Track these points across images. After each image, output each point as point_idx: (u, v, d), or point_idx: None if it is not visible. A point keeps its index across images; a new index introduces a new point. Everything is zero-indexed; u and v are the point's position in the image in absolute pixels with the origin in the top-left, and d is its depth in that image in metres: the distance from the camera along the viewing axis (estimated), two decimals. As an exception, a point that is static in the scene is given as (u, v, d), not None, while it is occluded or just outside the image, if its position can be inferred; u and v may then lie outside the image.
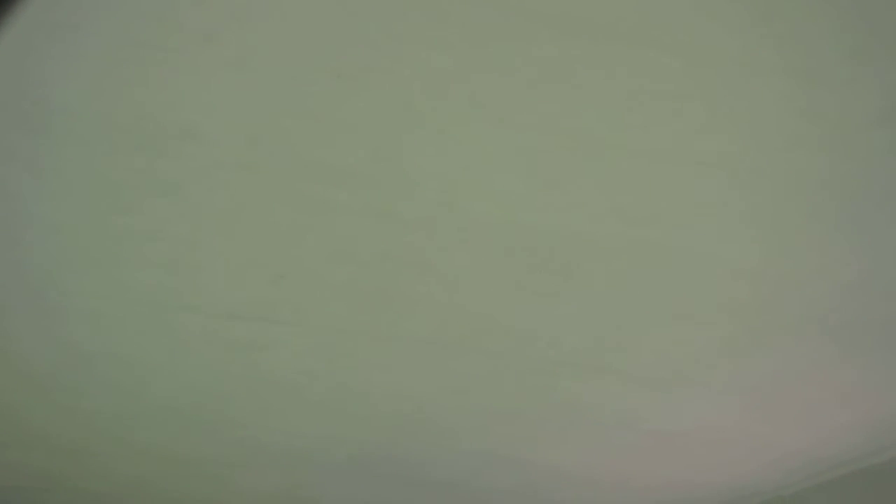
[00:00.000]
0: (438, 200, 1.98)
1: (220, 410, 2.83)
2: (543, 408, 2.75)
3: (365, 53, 1.69)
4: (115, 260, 2.19)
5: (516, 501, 3.37)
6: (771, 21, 1.60)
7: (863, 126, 1.78)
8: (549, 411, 2.76)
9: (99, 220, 2.07)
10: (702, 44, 1.64)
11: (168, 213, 2.04)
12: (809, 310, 2.28)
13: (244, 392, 2.73)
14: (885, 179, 1.91)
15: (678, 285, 2.21)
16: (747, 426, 2.79)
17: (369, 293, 2.28)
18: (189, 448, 3.07)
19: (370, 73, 1.72)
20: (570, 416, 2.78)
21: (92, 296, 2.31)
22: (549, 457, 3.03)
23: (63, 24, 1.63)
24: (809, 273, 2.16)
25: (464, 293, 2.27)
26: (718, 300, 2.25)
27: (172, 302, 2.33)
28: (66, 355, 2.57)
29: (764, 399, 2.64)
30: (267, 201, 2.01)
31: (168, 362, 2.59)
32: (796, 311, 2.28)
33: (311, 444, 3.00)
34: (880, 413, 2.68)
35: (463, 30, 1.64)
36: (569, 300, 2.27)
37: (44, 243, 2.14)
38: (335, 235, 2.10)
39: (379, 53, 1.69)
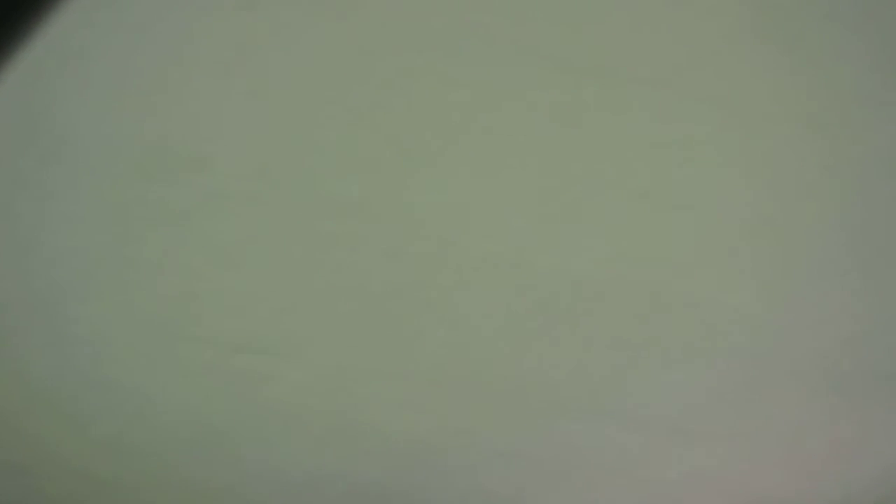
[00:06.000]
0: (445, 238, 1.99)
1: (221, 440, 2.84)
2: (543, 451, 2.74)
3: (378, 90, 1.70)
4: (121, 289, 2.20)
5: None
6: (794, 68, 1.62)
7: (882, 174, 1.79)
8: (549, 454, 2.76)
9: (106, 248, 2.08)
10: (717, 89, 1.66)
11: (176, 243, 2.06)
12: (812, 360, 2.28)
13: (246, 423, 2.73)
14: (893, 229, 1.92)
15: (681, 331, 2.21)
16: (744, 475, 2.78)
17: (374, 329, 2.29)
18: (189, 475, 3.07)
19: (382, 110, 1.74)
20: (570, 460, 2.78)
21: (98, 324, 2.32)
22: (548, 499, 3.02)
23: (74, 52, 1.65)
24: (813, 322, 2.16)
25: (466, 332, 2.27)
26: (720, 347, 2.26)
27: (177, 332, 2.34)
28: (72, 382, 2.58)
29: (763, 448, 2.64)
30: (275, 233, 2.03)
31: (172, 392, 2.60)
32: (798, 360, 2.28)
33: (311, 476, 3.00)
34: (881, 467, 2.67)
35: (476, 69, 1.65)
36: (571, 343, 2.28)
37: (51, 271, 2.15)
38: (342, 270, 2.11)
39: (392, 90, 1.70)
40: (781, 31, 1.60)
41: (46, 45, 1.63)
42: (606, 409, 2.53)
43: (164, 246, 2.07)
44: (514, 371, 2.41)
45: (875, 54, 1.61)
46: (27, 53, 1.60)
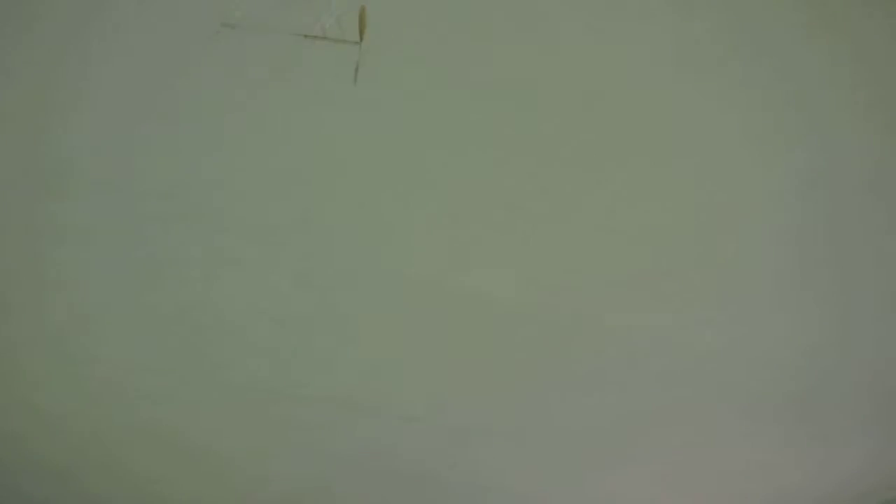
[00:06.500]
0: (358, 260, 1.98)
1: (120, 460, 2.79)
2: (453, 475, 2.74)
3: (289, 112, 1.69)
4: (24, 308, 2.17)
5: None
6: (715, 89, 1.63)
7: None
8: (459, 479, 2.76)
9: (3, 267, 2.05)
10: (637, 108, 1.66)
11: (79, 260, 2.03)
12: (722, 383, 2.30)
13: (143, 446, 2.68)
14: (813, 256, 1.94)
15: (599, 355, 2.22)
16: (656, 496, 2.79)
17: (286, 352, 2.27)
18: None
19: (294, 132, 1.73)
20: (481, 484, 2.77)
21: (9, 346, 2.29)
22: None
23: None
24: (731, 347, 2.18)
25: (379, 355, 2.26)
26: (637, 371, 2.27)
27: (78, 352, 2.30)
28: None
29: (675, 469, 2.66)
30: (184, 255, 2.00)
31: (76, 410, 2.55)
32: (714, 384, 2.29)
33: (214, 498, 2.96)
34: (785, 487, 2.70)
35: (394, 94, 1.65)
36: (485, 366, 2.28)
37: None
38: (254, 293, 2.09)
39: (302, 113, 1.69)
40: (704, 58, 1.61)
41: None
42: (521, 432, 2.52)
43: (65, 264, 2.03)
44: (426, 394, 2.40)
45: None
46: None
